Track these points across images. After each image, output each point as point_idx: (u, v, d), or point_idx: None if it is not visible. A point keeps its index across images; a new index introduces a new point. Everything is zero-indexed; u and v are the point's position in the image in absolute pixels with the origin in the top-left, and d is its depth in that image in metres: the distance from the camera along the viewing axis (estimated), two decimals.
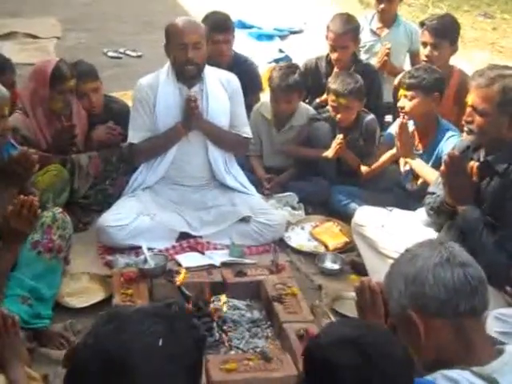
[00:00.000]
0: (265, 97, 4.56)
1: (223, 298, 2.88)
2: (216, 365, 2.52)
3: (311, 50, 6.72)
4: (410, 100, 3.60)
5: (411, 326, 1.64)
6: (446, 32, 3.97)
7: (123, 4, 7.95)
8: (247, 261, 3.35)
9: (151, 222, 3.46)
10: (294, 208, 3.87)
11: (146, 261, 3.18)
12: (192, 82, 3.49)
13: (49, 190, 3.38)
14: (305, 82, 4.12)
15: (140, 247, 3.38)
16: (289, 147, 4.12)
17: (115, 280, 3.08)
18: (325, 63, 4.40)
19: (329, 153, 3.87)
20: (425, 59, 3.95)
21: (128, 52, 6.32)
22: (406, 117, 3.62)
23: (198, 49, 3.40)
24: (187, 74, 3.44)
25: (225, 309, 2.86)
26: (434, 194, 3.21)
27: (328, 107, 4.02)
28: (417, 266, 1.72)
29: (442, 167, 2.89)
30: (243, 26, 7.17)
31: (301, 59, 6.46)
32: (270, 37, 7.07)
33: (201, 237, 3.53)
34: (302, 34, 7.61)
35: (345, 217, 3.80)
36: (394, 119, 4.27)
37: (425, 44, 3.98)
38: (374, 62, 4.56)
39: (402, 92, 3.67)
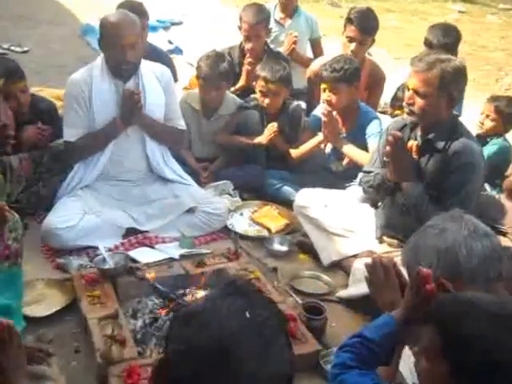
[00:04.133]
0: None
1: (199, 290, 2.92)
2: None
3: (197, 40, 6.83)
4: (335, 93, 3.80)
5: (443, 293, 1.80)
6: (372, 29, 4.22)
7: None
8: (204, 251, 3.38)
9: (98, 220, 3.38)
10: (230, 195, 3.95)
11: (104, 260, 3.13)
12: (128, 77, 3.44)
13: None
14: (233, 71, 4.20)
15: (89, 247, 3.34)
16: (221, 136, 4.18)
17: (77, 283, 3.00)
18: (238, 53, 4.50)
19: (262, 139, 3.99)
20: (350, 53, 4.14)
21: (13, 48, 5.99)
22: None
23: (135, 49, 3.34)
24: (124, 73, 3.39)
25: None
26: (370, 172, 3.44)
27: (255, 95, 4.13)
28: (448, 239, 1.89)
29: (387, 147, 3.11)
30: None
31: (190, 49, 6.56)
32: (153, 28, 6.98)
33: (147, 231, 3.51)
34: (183, 25, 7.67)
35: (279, 200, 3.97)
36: (308, 105, 4.47)
37: (351, 39, 4.18)
38: (281, 51, 4.72)
39: (324, 85, 3.86)
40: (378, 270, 2.07)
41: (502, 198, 3.67)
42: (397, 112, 4.06)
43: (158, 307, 2.88)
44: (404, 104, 3.14)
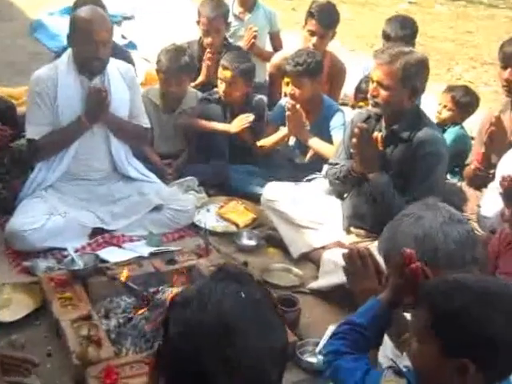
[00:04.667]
0: None
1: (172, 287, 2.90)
2: None
3: (151, 35, 6.76)
4: (299, 87, 3.82)
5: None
6: (332, 23, 4.25)
7: None
8: (173, 248, 3.36)
9: (64, 220, 3.32)
10: (196, 191, 3.93)
11: (73, 261, 3.08)
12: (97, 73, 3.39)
13: None
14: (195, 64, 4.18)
15: (55, 249, 3.28)
16: (183, 119, 4.12)
17: (47, 286, 2.94)
18: (197, 48, 4.48)
19: (231, 128, 3.99)
20: (312, 47, 4.16)
21: None
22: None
23: (106, 45, 3.30)
24: (94, 70, 3.35)
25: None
26: (336, 164, 3.47)
27: (216, 89, 4.13)
28: (425, 226, 1.94)
29: (353, 139, 3.14)
30: None
31: (144, 45, 6.48)
32: None
33: (114, 230, 3.47)
34: (134, 20, 7.56)
35: (245, 194, 3.96)
36: (269, 99, 4.47)
37: (312, 33, 4.21)
38: (240, 45, 4.71)
39: (287, 79, 3.87)
40: (355, 259, 2.09)
41: (463, 185, 3.76)
42: (360, 104, 4.10)
43: (130, 306, 2.86)
44: (369, 96, 3.19)
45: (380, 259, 2.14)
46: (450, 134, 4.20)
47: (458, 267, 1.88)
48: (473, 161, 3.68)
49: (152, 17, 7.63)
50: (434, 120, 4.20)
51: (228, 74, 3.99)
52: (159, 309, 2.78)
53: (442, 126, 4.23)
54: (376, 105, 3.14)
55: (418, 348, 1.52)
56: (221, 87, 4.04)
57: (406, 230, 1.97)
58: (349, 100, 4.70)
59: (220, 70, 4.05)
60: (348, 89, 4.76)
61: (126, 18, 7.45)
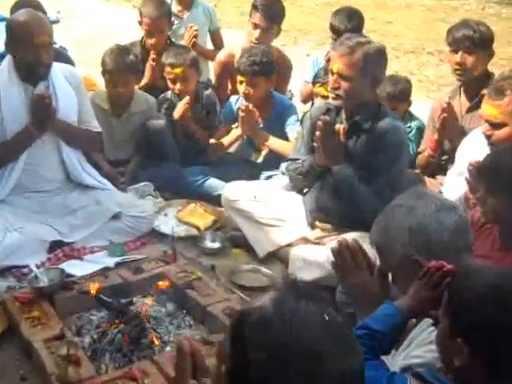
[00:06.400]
0: None
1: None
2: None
3: (80, 39, 6.59)
4: (253, 86, 3.80)
5: (419, 270, 1.84)
6: (277, 16, 4.22)
7: None
8: (139, 256, 3.26)
9: (21, 236, 3.15)
10: (152, 196, 3.83)
11: (36, 278, 2.93)
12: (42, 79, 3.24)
13: None
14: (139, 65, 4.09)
15: (14, 267, 3.13)
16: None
17: (11, 306, 2.79)
18: (140, 49, 4.37)
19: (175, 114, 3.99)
20: (255, 41, 4.13)
21: None
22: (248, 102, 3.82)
23: (48, 49, 3.18)
24: (38, 76, 3.20)
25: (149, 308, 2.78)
26: (297, 160, 3.44)
27: (163, 95, 4.11)
28: (418, 216, 1.93)
29: (317, 133, 3.13)
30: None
31: (75, 49, 6.29)
32: None
33: (73, 242, 3.33)
34: (60, 24, 7.36)
35: (202, 196, 3.90)
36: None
37: (255, 26, 4.16)
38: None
39: (241, 78, 3.83)
40: (345, 253, 2.09)
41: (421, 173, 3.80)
42: (317, 90, 4.06)
43: (103, 321, 2.75)
44: (329, 89, 3.17)
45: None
46: (416, 131, 4.06)
47: (451, 255, 1.88)
48: (426, 148, 3.73)
49: (78, 20, 7.46)
50: None
51: (179, 70, 3.95)
52: (135, 321, 2.69)
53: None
54: (337, 97, 3.13)
55: (439, 327, 1.57)
56: (174, 87, 4.00)
57: (399, 222, 1.95)
58: (294, 95, 4.70)
59: (168, 70, 3.98)
60: (292, 85, 4.77)
61: (52, 23, 7.20)
